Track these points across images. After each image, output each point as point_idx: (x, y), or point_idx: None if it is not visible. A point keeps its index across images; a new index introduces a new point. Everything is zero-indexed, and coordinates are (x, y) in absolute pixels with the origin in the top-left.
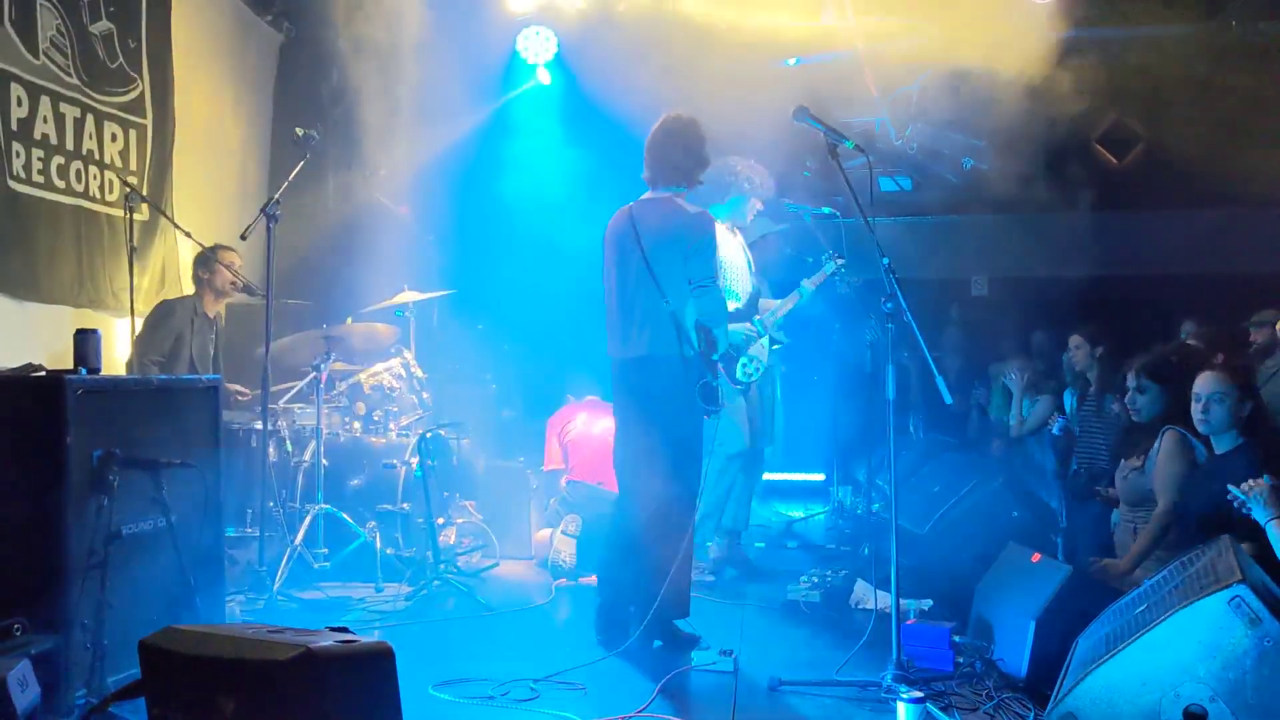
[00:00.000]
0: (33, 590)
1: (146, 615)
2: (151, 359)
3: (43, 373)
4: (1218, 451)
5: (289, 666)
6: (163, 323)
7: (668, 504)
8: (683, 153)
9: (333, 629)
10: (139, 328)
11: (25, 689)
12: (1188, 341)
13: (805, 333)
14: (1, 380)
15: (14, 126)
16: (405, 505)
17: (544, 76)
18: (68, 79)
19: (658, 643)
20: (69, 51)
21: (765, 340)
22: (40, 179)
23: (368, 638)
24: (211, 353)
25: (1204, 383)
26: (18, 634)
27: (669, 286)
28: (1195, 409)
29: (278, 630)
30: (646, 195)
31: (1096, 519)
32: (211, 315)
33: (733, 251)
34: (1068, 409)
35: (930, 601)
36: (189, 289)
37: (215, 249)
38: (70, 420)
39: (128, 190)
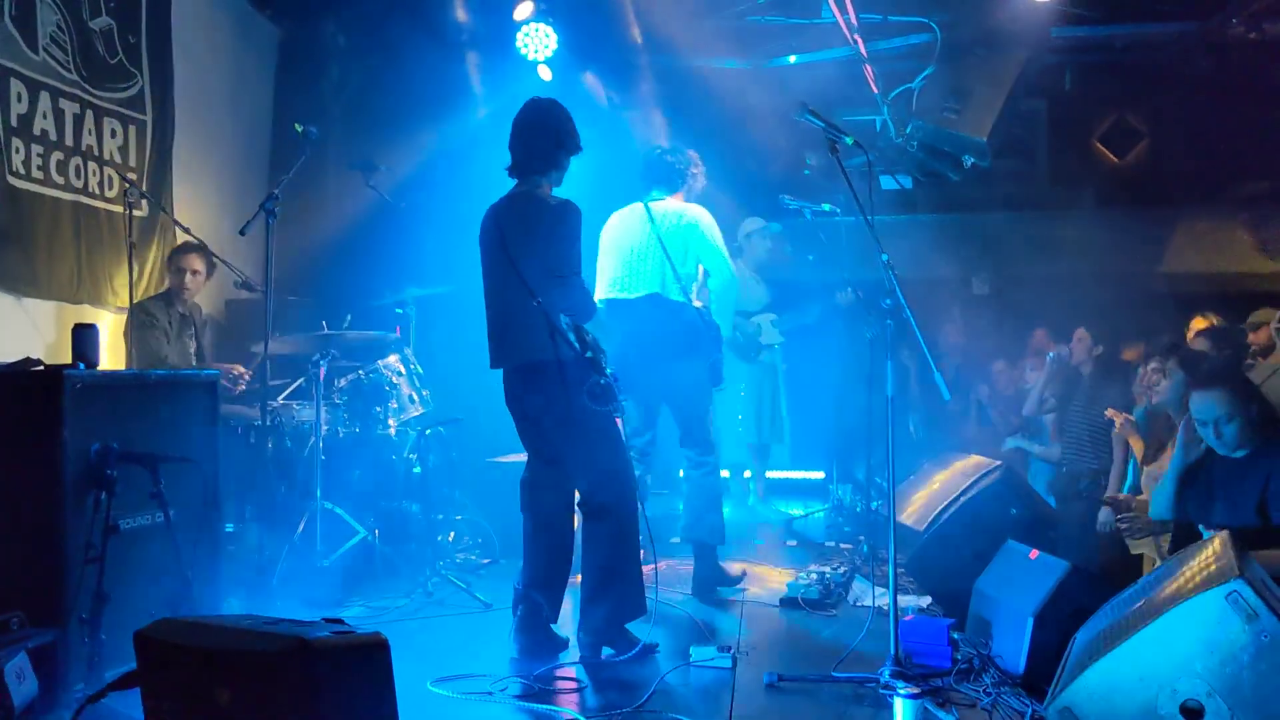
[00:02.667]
0: (31, 584)
1: (144, 609)
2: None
3: (41, 367)
4: (1236, 457)
5: (283, 657)
6: (151, 325)
7: (600, 507)
8: (544, 139)
9: (328, 620)
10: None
11: (22, 682)
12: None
13: (805, 330)
14: (0, 375)
15: (13, 122)
16: (404, 501)
17: (545, 74)
18: (67, 75)
19: (608, 650)
20: (69, 47)
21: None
22: (40, 175)
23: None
24: (194, 349)
25: (1205, 405)
26: (15, 628)
27: (537, 284)
28: (1203, 430)
29: (273, 622)
30: (510, 190)
31: (1081, 517)
32: (186, 312)
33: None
34: None
35: (928, 598)
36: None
37: (178, 251)
38: (68, 415)
39: (127, 186)
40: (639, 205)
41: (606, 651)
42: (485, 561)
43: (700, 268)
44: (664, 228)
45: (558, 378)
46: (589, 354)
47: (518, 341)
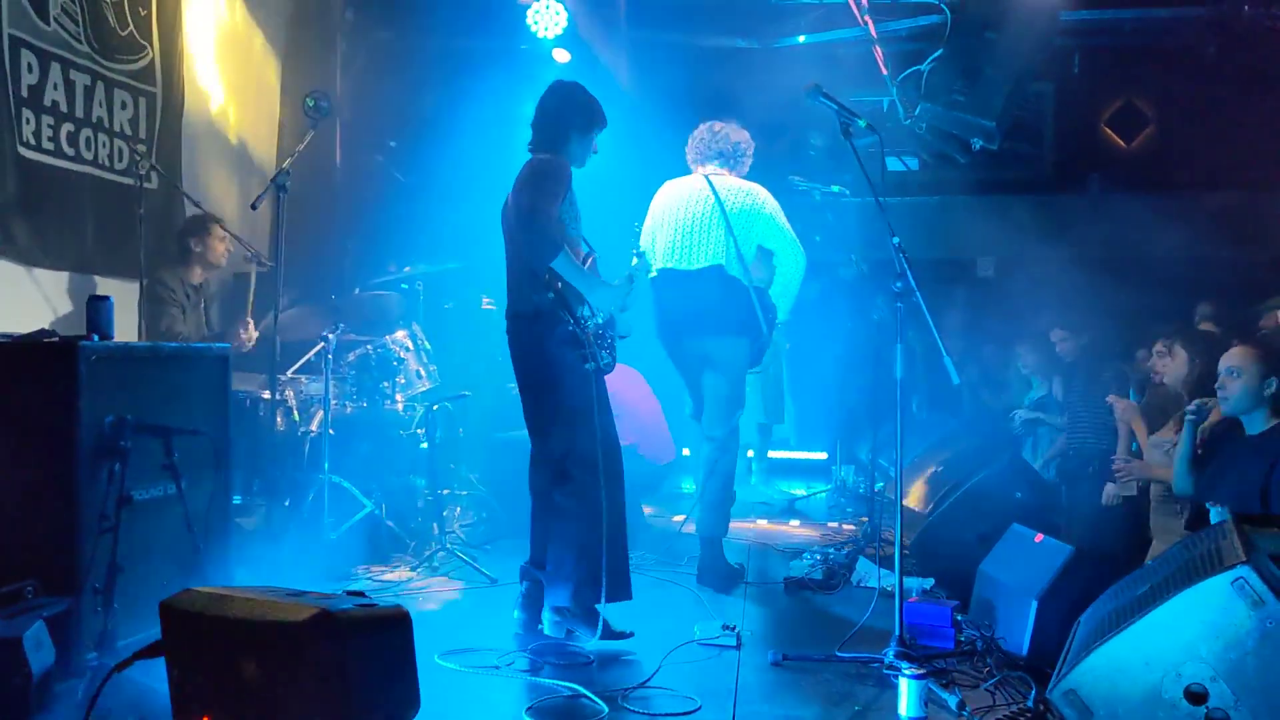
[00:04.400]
0: (45, 553)
1: (157, 579)
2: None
3: (55, 339)
4: (1250, 433)
5: (307, 629)
6: (167, 298)
7: (565, 471)
8: (550, 120)
9: (350, 593)
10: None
11: (40, 649)
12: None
13: (810, 311)
14: (15, 346)
15: (24, 93)
16: (411, 476)
17: (561, 56)
18: (78, 46)
19: (581, 630)
20: (80, 18)
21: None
22: (50, 146)
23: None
24: (204, 322)
25: (1225, 357)
26: (30, 596)
27: (513, 234)
28: (1218, 387)
29: (296, 593)
30: None
31: (1088, 498)
32: (199, 284)
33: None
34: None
35: (932, 580)
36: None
37: (206, 220)
38: (83, 386)
39: (137, 159)
40: (698, 177)
41: (580, 632)
42: (491, 536)
43: (759, 248)
44: (729, 203)
45: (533, 327)
46: (550, 294)
47: (511, 292)
